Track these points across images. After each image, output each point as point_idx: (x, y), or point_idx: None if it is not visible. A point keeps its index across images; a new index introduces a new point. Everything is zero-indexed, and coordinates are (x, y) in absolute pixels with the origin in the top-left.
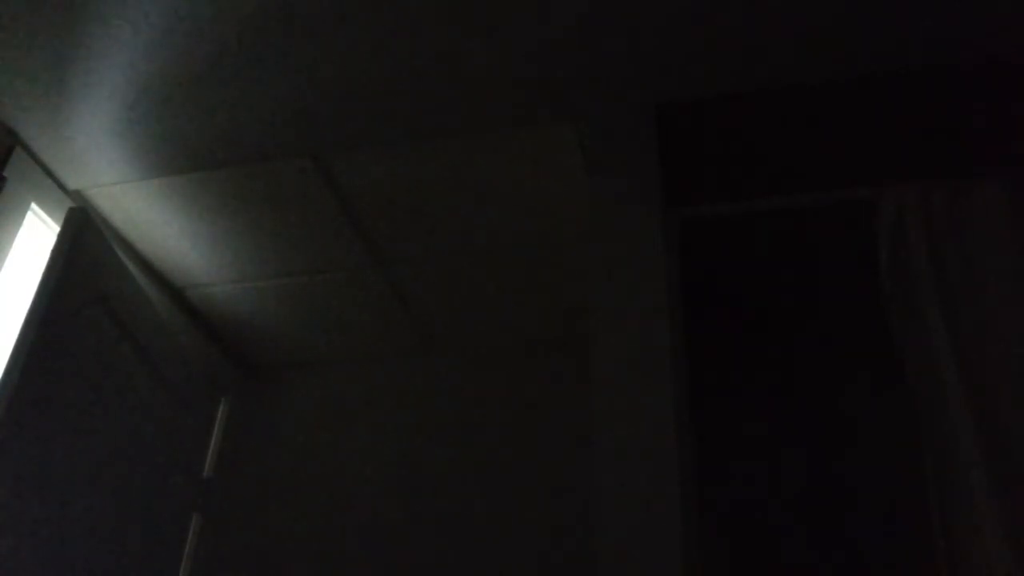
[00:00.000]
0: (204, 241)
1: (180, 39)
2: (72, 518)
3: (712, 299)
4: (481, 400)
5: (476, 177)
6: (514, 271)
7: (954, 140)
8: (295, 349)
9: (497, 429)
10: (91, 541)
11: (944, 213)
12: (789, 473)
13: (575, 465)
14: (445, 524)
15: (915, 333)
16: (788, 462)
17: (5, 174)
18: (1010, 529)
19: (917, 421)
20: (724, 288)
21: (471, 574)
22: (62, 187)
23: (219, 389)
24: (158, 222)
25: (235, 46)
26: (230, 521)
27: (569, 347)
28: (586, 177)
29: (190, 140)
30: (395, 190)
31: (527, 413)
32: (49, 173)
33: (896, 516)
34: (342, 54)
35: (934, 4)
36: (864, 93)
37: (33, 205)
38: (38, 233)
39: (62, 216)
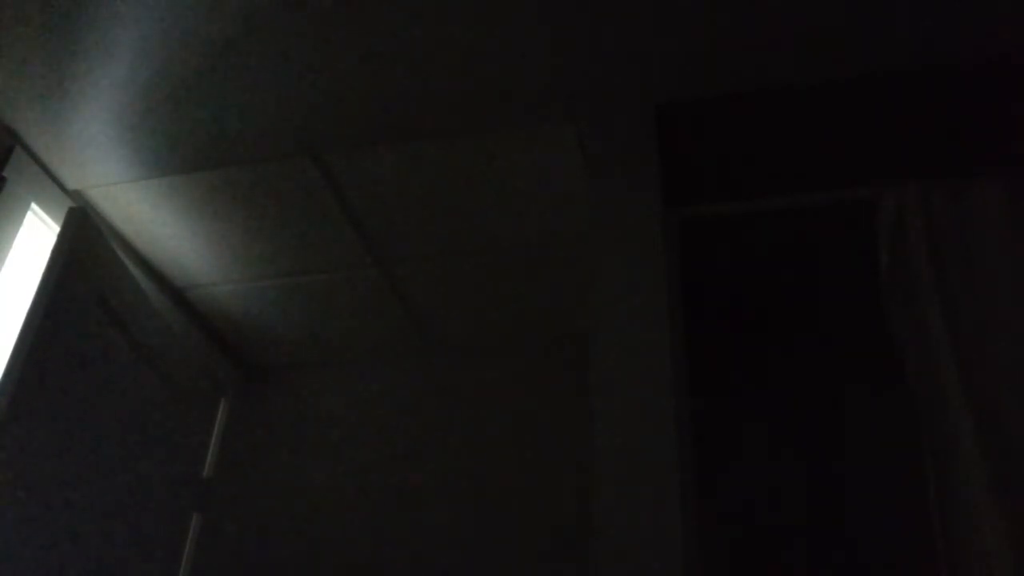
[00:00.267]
0: (204, 241)
1: (180, 39)
2: (72, 518)
3: (712, 299)
4: (481, 399)
5: (476, 177)
6: (514, 271)
7: (954, 140)
8: (295, 349)
9: (497, 429)
10: (91, 541)
11: (944, 213)
12: (789, 473)
13: (575, 465)
14: (445, 524)
15: (915, 333)
16: (788, 462)
17: (5, 174)
18: (1010, 529)
19: (917, 421)
20: (724, 288)
21: (471, 574)
22: (62, 187)
23: (219, 389)
24: (158, 222)
25: (235, 46)
26: (230, 521)
27: (569, 347)
28: (586, 177)
29: (190, 140)
30: (395, 190)
31: (527, 412)
32: (49, 173)
33: (896, 516)
34: (342, 54)
35: (934, 4)
36: (864, 93)
37: (33, 205)
38: (38, 233)
39: (62, 216)
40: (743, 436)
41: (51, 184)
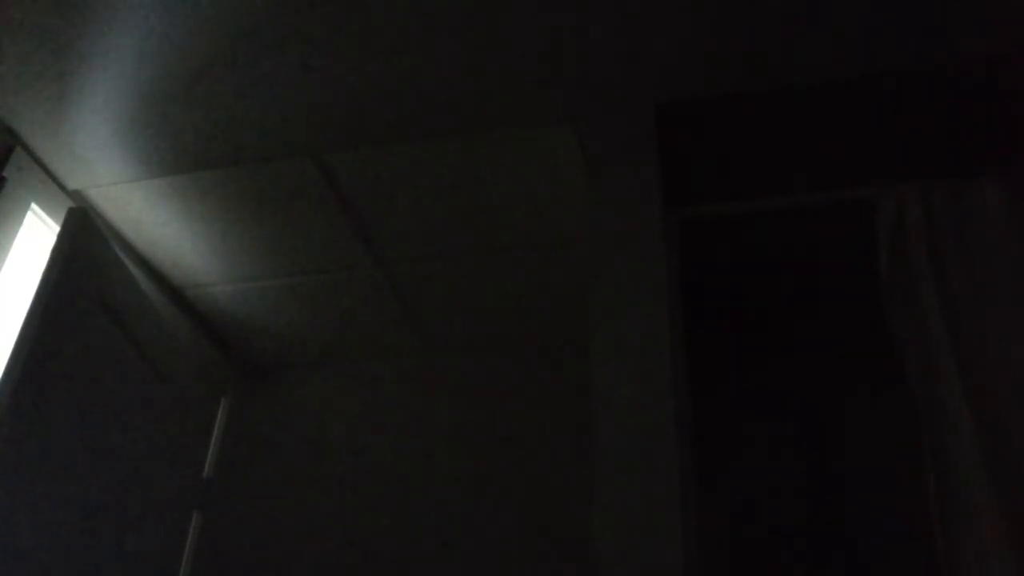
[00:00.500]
0: (204, 241)
1: (180, 39)
2: (72, 517)
3: (712, 299)
4: (480, 399)
5: (476, 177)
6: (514, 271)
7: (954, 140)
8: (295, 349)
9: (497, 429)
10: (91, 540)
11: (944, 213)
12: (789, 473)
13: (575, 464)
14: (445, 524)
15: (915, 333)
16: (788, 462)
17: (5, 174)
18: (1010, 529)
19: (917, 421)
20: (724, 288)
21: (471, 573)
22: (62, 187)
23: (219, 389)
24: (158, 222)
25: (235, 46)
26: (230, 521)
27: (569, 347)
28: (586, 177)
29: (190, 140)
30: (395, 190)
31: (527, 413)
32: (49, 173)
33: (896, 516)
34: (342, 55)
35: (934, 4)
36: (864, 93)
37: (33, 205)
38: (38, 233)
39: (62, 216)
40: (743, 436)
41: (51, 184)
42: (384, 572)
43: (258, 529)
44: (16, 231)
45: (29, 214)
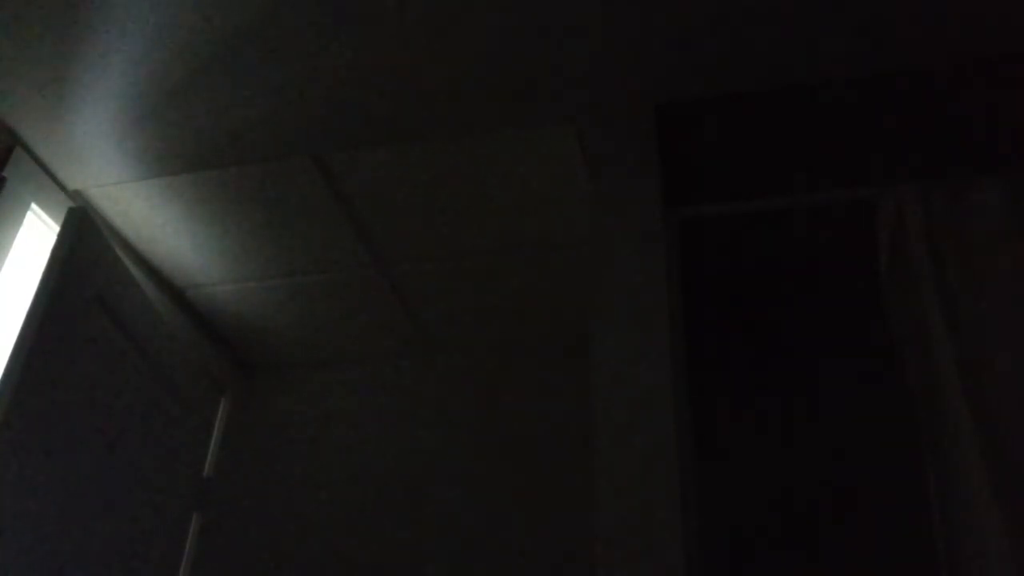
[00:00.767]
0: (204, 241)
1: (180, 39)
2: (72, 517)
3: (712, 299)
4: (481, 400)
5: (476, 177)
6: (514, 271)
7: (954, 140)
8: (295, 349)
9: (497, 429)
10: (91, 541)
11: (944, 213)
12: (789, 473)
13: (575, 464)
14: (445, 523)
15: (915, 333)
16: (788, 462)
17: (5, 174)
18: (1010, 529)
19: (917, 421)
20: (724, 288)
21: (471, 573)
22: (62, 187)
23: (219, 389)
24: (158, 222)
25: (235, 46)
26: (230, 521)
27: (569, 347)
28: (586, 177)
29: (190, 140)
30: (395, 190)
31: (527, 413)
32: (49, 173)
33: (896, 516)
34: (342, 54)
35: (934, 4)
36: (864, 93)
37: (33, 205)
38: (38, 233)
39: (62, 216)
40: (743, 436)
41: (51, 184)
42: (384, 572)
43: (258, 529)
44: (16, 231)
45: (29, 214)
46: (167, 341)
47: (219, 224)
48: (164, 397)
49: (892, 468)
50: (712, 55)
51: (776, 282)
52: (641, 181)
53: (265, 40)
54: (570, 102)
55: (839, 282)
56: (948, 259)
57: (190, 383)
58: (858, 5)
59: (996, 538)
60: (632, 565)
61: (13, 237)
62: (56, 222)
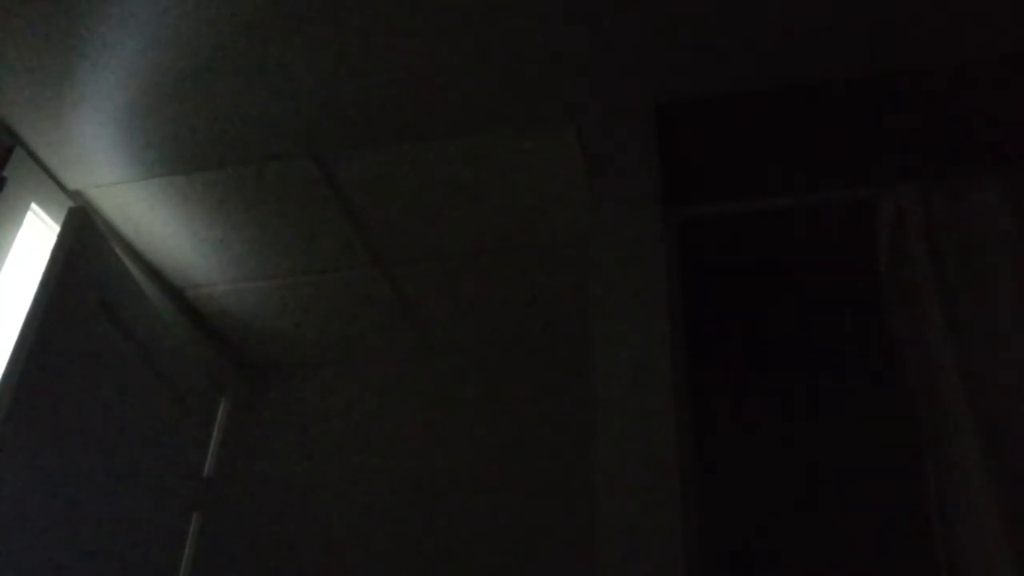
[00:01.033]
0: (204, 241)
1: (180, 40)
2: (72, 518)
3: (712, 299)
4: (481, 400)
5: (476, 177)
6: (514, 271)
7: (954, 140)
8: (295, 349)
9: (497, 429)
10: (91, 541)
11: (944, 213)
12: (789, 473)
13: (575, 465)
14: (445, 524)
15: (915, 333)
16: (788, 462)
17: (5, 174)
18: (1010, 529)
19: (917, 421)
20: (724, 288)
21: (471, 573)
22: (62, 187)
23: (219, 389)
24: (158, 222)
25: (235, 46)
26: (230, 521)
27: (569, 347)
28: (586, 177)
29: (190, 140)
30: (395, 190)
31: (527, 413)
32: (49, 173)
33: (896, 516)
34: (342, 55)
35: (934, 4)
36: (864, 93)
37: (33, 205)
38: (38, 233)
39: (62, 216)
40: (743, 436)
41: (51, 184)
42: (384, 572)
43: (258, 529)
44: (16, 231)
45: (29, 214)
46: (167, 341)
47: (219, 224)
48: (164, 397)
49: (892, 468)
50: (712, 55)
51: (776, 282)
52: (641, 181)
53: (265, 40)
54: (570, 102)
55: (839, 282)
56: (948, 259)
57: (190, 383)
58: (858, 5)
59: (996, 538)
60: (632, 565)
61: (13, 237)
62: (56, 222)
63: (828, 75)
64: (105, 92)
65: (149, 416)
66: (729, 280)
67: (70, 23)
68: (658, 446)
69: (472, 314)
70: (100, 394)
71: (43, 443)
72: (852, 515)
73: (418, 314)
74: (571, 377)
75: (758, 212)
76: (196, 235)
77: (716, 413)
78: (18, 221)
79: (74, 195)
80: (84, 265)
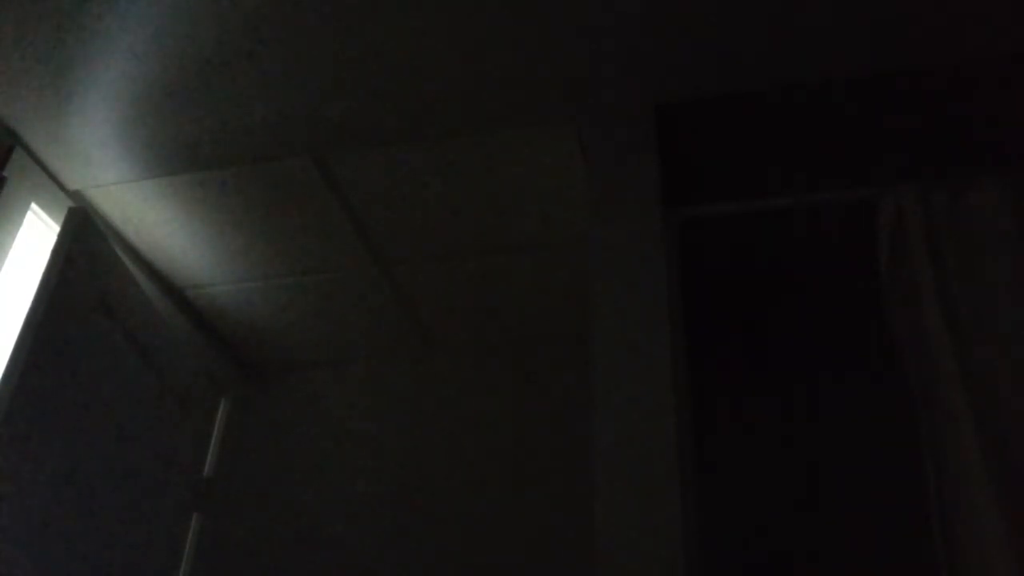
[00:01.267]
0: (204, 241)
1: (180, 40)
2: (72, 518)
3: (712, 299)
4: (481, 400)
5: (476, 177)
6: (514, 271)
7: (954, 140)
8: (295, 349)
9: (497, 429)
10: (91, 541)
11: (944, 213)
12: (789, 473)
13: (575, 465)
14: (445, 524)
15: (915, 333)
16: (788, 462)
17: (5, 174)
18: (1010, 529)
19: (917, 421)
20: (724, 288)
21: (471, 573)
22: (62, 187)
23: (219, 389)
24: (158, 222)
25: (235, 46)
26: (230, 521)
27: (569, 347)
28: (586, 177)
29: (190, 140)
30: (395, 190)
31: (527, 413)
32: (49, 173)
33: (896, 516)
34: (341, 54)
35: (934, 4)
36: (864, 93)
37: (33, 205)
38: (38, 233)
39: (62, 216)
40: (743, 436)
41: (51, 184)
42: (384, 571)
43: (258, 529)
44: (16, 231)
45: (29, 214)
46: (167, 341)
47: (219, 224)
48: (164, 397)
49: (892, 468)
50: (712, 55)
51: (776, 282)
52: (641, 181)
53: (265, 40)
54: (570, 102)
55: (839, 282)
56: (948, 259)
57: (190, 383)
58: (858, 5)
59: (996, 537)
60: (632, 565)
61: (13, 237)
62: (56, 222)
63: (828, 75)
64: (105, 92)
65: (149, 416)
66: (729, 280)
67: (70, 23)
68: (658, 446)
69: (472, 314)
70: (100, 394)
71: (43, 443)
72: (852, 515)
73: (418, 314)
74: (571, 377)
75: (758, 212)
76: (196, 235)
77: (716, 413)
78: (18, 221)
79: (74, 195)
80: (84, 265)
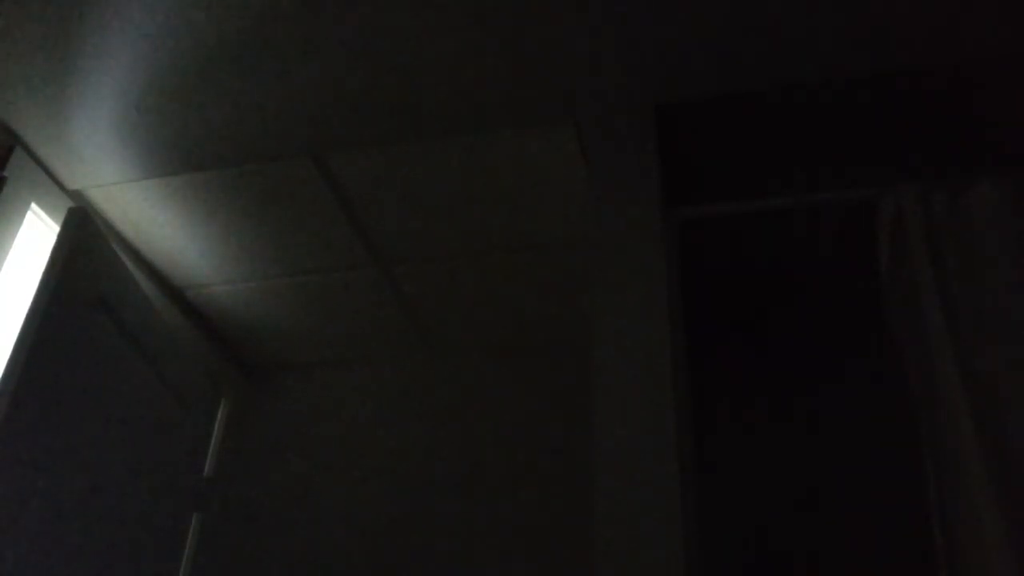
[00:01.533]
0: (204, 241)
1: (180, 40)
2: (72, 518)
3: (712, 299)
4: (481, 400)
5: (476, 177)
6: (514, 271)
7: (954, 140)
8: (295, 349)
9: (497, 429)
10: (91, 541)
11: (944, 213)
12: (789, 472)
13: (575, 465)
14: (445, 524)
15: (915, 333)
16: (788, 461)
17: (5, 174)
18: (1010, 529)
19: (917, 420)
20: (724, 288)
21: (471, 573)
22: (62, 187)
23: (219, 389)
24: (158, 222)
25: (235, 46)
26: (230, 521)
27: (569, 347)
28: (586, 177)
29: (190, 140)
30: (395, 190)
31: (527, 413)
32: (49, 173)
33: (896, 517)
34: (342, 55)
35: (935, 4)
36: (864, 93)
37: (33, 205)
38: (38, 233)
39: (62, 216)
40: (743, 436)
41: (51, 184)
42: (384, 572)
43: (258, 529)
44: (16, 231)
45: (29, 214)
46: (167, 341)
47: (219, 224)
48: (164, 397)
49: (892, 469)
50: (712, 55)
51: (776, 282)
52: (641, 181)
53: (265, 40)
54: (570, 102)
55: (839, 282)
56: (948, 259)
57: (190, 383)
58: (858, 5)
59: (996, 537)
60: (632, 565)
61: (13, 237)
62: (56, 222)
63: (828, 75)
64: (105, 92)
65: (149, 416)
66: (729, 280)
67: (70, 24)
68: (658, 446)
69: (472, 314)
70: (100, 394)
71: (43, 443)
72: (852, 515)
73: (418, 314)
74: (571, 377)
75: (758, 212)
76: (196, 235)
77: (716, 413)
78: (18, 221)
79: (74, 195)
80: (84, 265)
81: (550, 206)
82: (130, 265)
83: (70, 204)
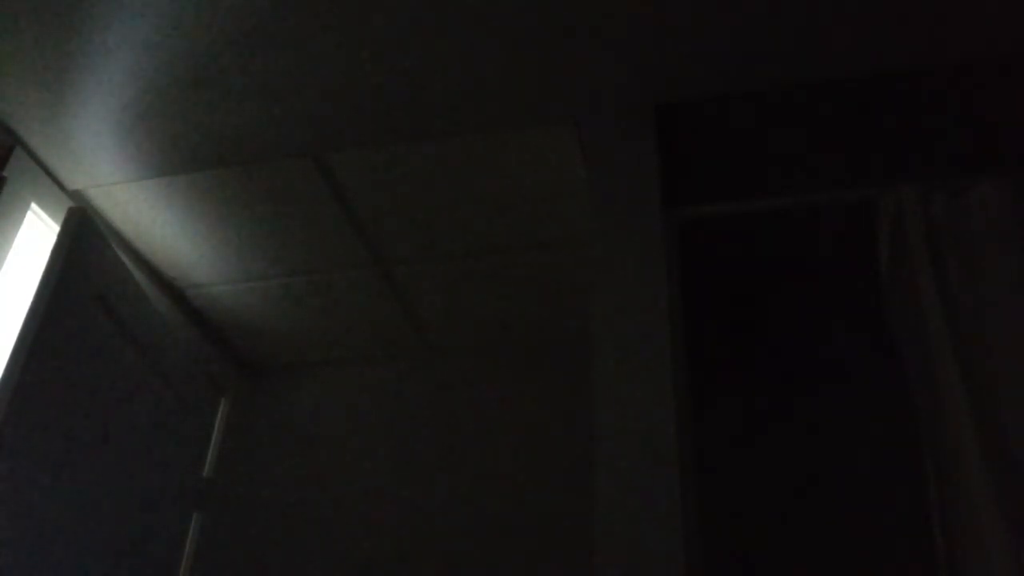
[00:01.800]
0: (204, 241)
1: (180, 40)
2: (72, 518)
3: (712, 299)
4: (480, 399)
5: (476, 177)
6: (514, 271)
7: (954, 140)
8: (295, 349)
9: (497, 429)
10: (91, 541)
11: (944, 213)
12: (789, 473)
13: (575, 465)
14: (444, 524)
15: (915, 333)
16: (788, 462)
17: (5, 174)
18: (1010, 529)
19: (917, 420)
20: (724, 288)
21: (471, 573)
22: (62, 187)
23: (219, 389)
24: (158, 222)
25: (235, 46)
26: (230, 521)
27: (569, 347)
28: (586, 177)
29: (190, 140)
30: (395, 190)
31: (527, 413)
32: (49, 173)
33: (896, 517)
34: (342, 55)
35: (935, 4)
36: (864, 93)
37: (33, 205)
38: (38, 233)
39: (62, 216)
40: (742, 436)
41: (51, 184)
42: (384, 572)
43: (258, 529)
44: (16, 231)
45: (29, 214)
46: (167, 341)
47: (219, 224)
48: (164, 397)
49: (892, 469)
50: (712, 55)
51: (776, 282)
52: (641, 181)
53: (265, 40)
54: (570, 102)
55: (839, 282)
56: (948, 259)
57: (190, 383)
58: (858, 5)
59: (997, 538)
60: (632, 565)
61: (13, 237)
62: (56, 222)
63: (828, 75)
64: (105, 92)
65: (149, 416)
66: (729, 280)
67: (70, 24)
68: (658, 446)
69: (472, 314)
70: (100, 394)
71: (43, 443)
72: (852, 515)
73: (418, 314)
74: (571, 377)
75: (758, 212)
76: (196, 235)
77: (716, 413)
78: (18, 221)
79: (74, 195)
80: (84, 265)
81: (550, 206)
82: (130, 265)
83: (70, 204)
